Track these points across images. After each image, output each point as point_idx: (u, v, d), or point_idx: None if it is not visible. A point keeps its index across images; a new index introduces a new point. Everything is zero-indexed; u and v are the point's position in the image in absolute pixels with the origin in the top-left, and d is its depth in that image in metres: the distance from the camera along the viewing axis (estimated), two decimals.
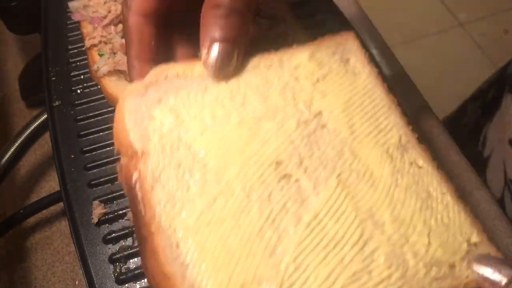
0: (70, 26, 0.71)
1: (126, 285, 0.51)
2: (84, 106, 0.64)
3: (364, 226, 0.47)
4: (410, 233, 0.47)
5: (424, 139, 0.61)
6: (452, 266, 0.46)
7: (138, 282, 0.51)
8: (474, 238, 0.48)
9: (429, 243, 0.47)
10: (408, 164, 0.52)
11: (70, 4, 0.70)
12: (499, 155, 0.91)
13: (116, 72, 0.63)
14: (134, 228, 0.49)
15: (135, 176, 0.46)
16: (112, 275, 0.52)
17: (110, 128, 0.62)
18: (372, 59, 0.65)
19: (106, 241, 0.54)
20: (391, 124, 0.54)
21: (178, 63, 0.53)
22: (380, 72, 0.59)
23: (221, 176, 0.47)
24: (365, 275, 0.44)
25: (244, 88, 0.53)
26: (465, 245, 0.47)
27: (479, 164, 0.95)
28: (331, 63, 0.58)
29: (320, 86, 0.55)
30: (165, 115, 0.49)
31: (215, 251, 0.43)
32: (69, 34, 0.71)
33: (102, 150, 0.60)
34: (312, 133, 0.52)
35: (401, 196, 0.49)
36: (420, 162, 0.52)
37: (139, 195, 0.46)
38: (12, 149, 0.74)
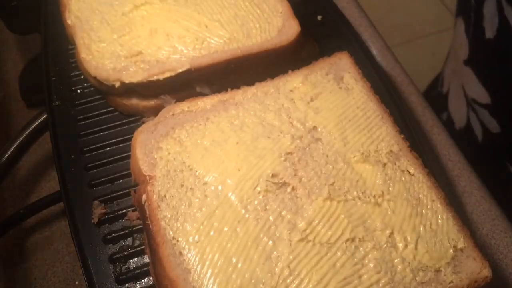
0: None
1: (126, 285, 0.51)
2: (84, 106, 0.64)
3: (356, 233, 0.49)
4: (399, 239, 0.49)
5: (423, 138, 0.61)
6: (437, 271, 0.48)
7: (138, 282, 0.52)
8: (461, 244, 0.49)
9: (417, 249, 0.49)
10: (400, 172, 0.54)
11: None
12: (457, 82, 0.92)
13: None
14: (144, 241, 0.53)
15: (144, 197, 0.51)
16: (112, 275, 0.52)
17: (110, 128, 0.62)
18: (372, 64, 0.66)
19: (106, 241, 0.54)
20: (384, 134, 0.57)
21: (183, 102, 0.58)
22: (375, 84, 0.61)
23: (220, 190, 0.51)
24: (356, 279, 0.46)
25: (242, 114, 0.57)
26: (451, 251, 0.49)
27: (441, 103, 0.98)
28: (325, 82, 0.61)
29: (314, 104, 0.58)
30: (170, 145, 0.54)
31: (214, 258, 0.46)
32: None
33: (102, 150, 0.60)
34: (306, 146, 0.55)
35: (392, 203, 0.51)
36: (412, 169, 0.54)
37: (147, 212, 0.50)
38: (12, 149, 0.74)
